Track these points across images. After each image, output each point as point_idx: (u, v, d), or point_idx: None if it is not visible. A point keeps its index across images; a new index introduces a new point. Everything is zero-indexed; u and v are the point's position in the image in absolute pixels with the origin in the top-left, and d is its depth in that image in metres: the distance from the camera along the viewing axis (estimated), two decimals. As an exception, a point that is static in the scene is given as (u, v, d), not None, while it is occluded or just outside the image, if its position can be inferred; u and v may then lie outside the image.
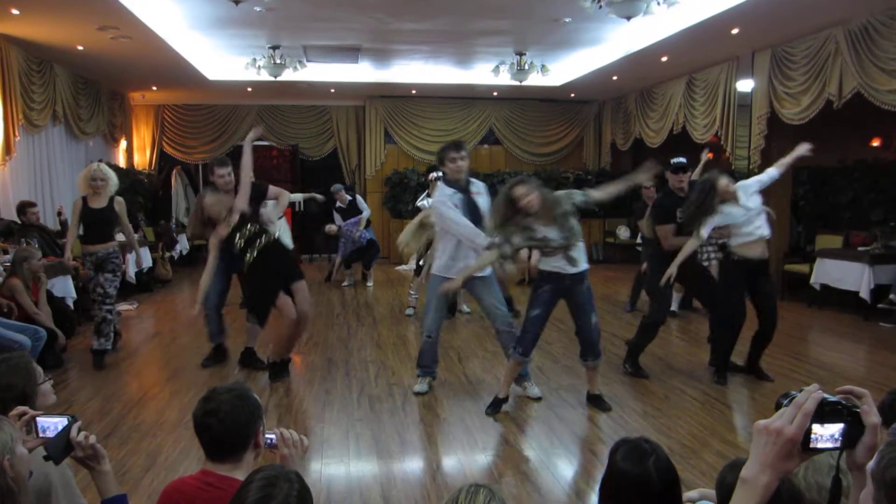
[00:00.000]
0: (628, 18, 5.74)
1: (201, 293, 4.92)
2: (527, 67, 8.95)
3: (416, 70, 10.31)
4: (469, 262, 4.44)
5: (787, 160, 4.81)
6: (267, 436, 1.88)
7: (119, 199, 5.51)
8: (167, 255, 10.06)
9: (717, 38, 7.49)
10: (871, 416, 1.05)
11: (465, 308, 7.44)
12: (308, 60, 9.06)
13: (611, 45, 8.41)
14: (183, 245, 10.86)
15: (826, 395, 1.04)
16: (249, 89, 10.98)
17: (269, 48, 8.47)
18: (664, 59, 8.63)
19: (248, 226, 4.85)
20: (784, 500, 1.30)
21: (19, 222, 6.84)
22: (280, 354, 5.08)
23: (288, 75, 9.00)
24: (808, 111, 7.30)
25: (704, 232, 4.59)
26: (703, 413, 4.35)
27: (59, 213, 7.93)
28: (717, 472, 1.70)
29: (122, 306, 7.66)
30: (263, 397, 4.53)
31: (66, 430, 1.77)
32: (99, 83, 10.02)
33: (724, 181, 4.55)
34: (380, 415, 4.31)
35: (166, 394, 4.75)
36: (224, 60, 9.36)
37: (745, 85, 8.58)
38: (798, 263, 8.28)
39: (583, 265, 4.13)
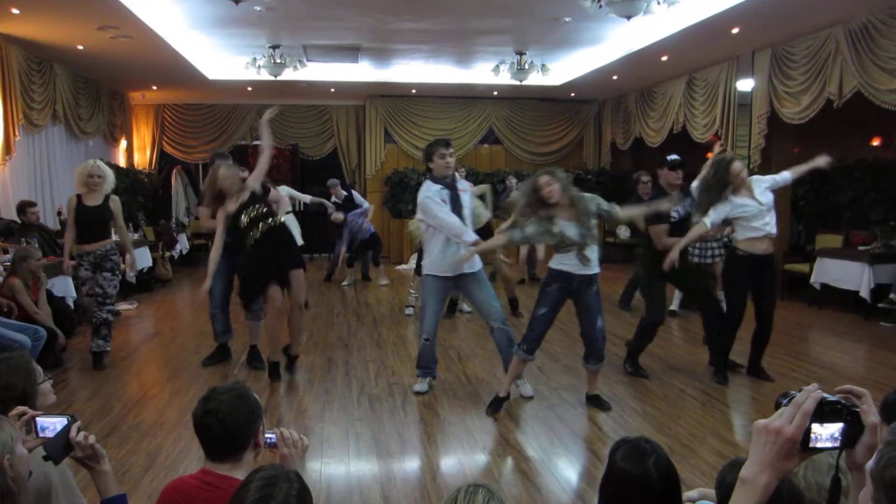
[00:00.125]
0: (628, 18, 5.74)
1: (211, 267, 4.85)
2: (527, 67, 8.95)
3: (416, 69, 10.31)
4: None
5: (803, 168, 4.82)
6: (267, 435, 1.88)
7: (115, 197, 5.42)
8: (167, 254, 10.06)
9: (718, 37, 7.49)
10: (871, 415, 1.05)
11: (465, 308, 7.44)
12: (308, 60, 9.06)
13: (611, 44, 8.41)
14: (183, 245, 10.86)
15: (825, 395, 1.03)
16: (249, 89, 10.99)
17: (269, 48, 8.47)
18: (664, 58, 8.63)
19: (257, 206, 4.80)
20: (784, 499, 1.30)
21: (19, 222, 6.83)
22: (272, 352, 5.06)
23: (288, 75, 9.00)
24: (809, 110, 7.29)
25: (710, 220, 4.56)
26: (702, 412, 4.35)
27: (59, 213, 7.93)
28: (717, 471, 1.70)
29: (122, 306, 7.66)
30: (263, 397, 4.53)
31: (66, 430, 1.77)
32: (99, 83, 10.03)
33: (738, 164, 4.55)
34: (380, 414, 4.31)
35: (166, 393, 4.75)
36: (224, 60, 9.36)
37: (745, 84, 8.57)
38: (798, 263, 8.28)
39: (594, 268, 4.12)
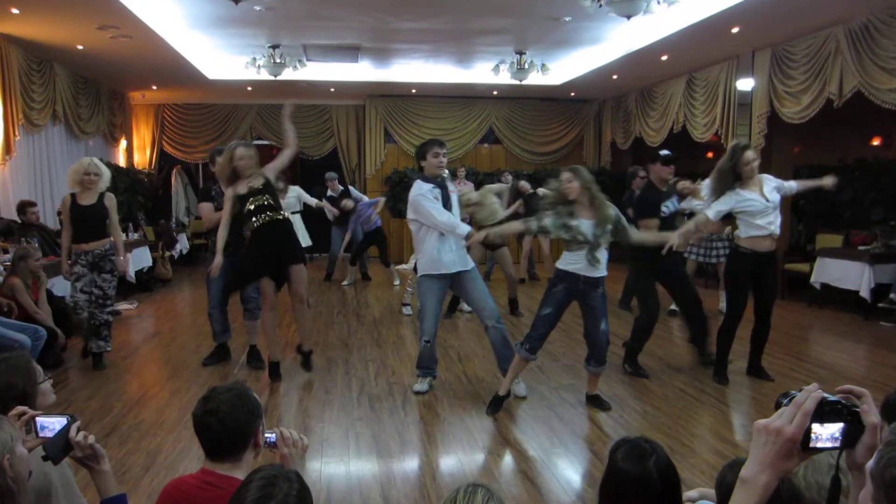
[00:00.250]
0: (628, 17, 5.74)
1: (220, 244, 4.77)
2: (527, 66, 8.95)
3: (416, 69, 10.30)
4: (460, 253, 4.50)
5: (809, 183, 4.95)
6: (266, 435, 1.88)
7: (110, 195, 5.32)
8: (167, 254, 10.06)
9: (718, 36, 7.49)
10: (871, 415, 1.05)
11: (465, 307, 7.44)
12: (308, 59, 9.06)
13: (611, 43, 8.41)
14: (183, 244, 10.86)
15: (826, 395, 1.03)
16: (249, 88, 10.98)
17: (269, 47, 8.47)
18: (664, 57, 8.62)
19: (266, 196, 4.73)
20: (784, 499, 1.30)
21: (19, 222, 6.84)
22: (272, 352, 5.06)
23: (288, 74, 9.00)
24: (809, 110, 7.29)
25: (712, 211, 4.56)
26: (702, 412, 4.35)
27: (59, 213, 7.91)
28: (717, 471, 1.70)
29: (122, 305, 7.66)
30: (263, 397, 4.54)
31: (65, 429, 1.77)
32: (99, 82, 10.03)
33: (752, 152, 4.55)
34: (380, 414, 4.31)
35: (166, 393, 4.75)
36: (224, 60, 9.36)
37: (745, 84, 8.57)
38: (798, 262, 8.28)
39: (602, 271, 4.12)
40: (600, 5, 5.56)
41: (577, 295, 4.17)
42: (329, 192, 9.46)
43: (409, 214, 4.57)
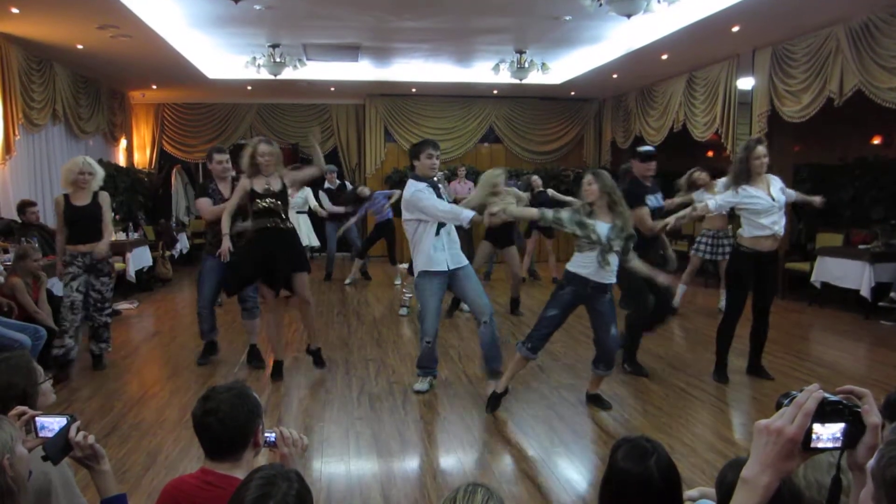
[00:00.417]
0: (629, 16, 5.73)
1: (225, 229, 4.76)
2: (527, 65, 8.94)
3: (416, 68, 10.30)
4: (452, 251, 4.51)
5: (801, 197, 5.05)
6: (266, 434, 1.88)
7: (104, 193, 5.26)
8: (167, 254, 10.05)
9: (718, 35, 7.48)
10: (872, 415, 1.05)
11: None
12: (308, 59, 9.05)
13: (611, 42, 8.41)
14: (183, 244, 10.85)
15: (827, 395, 1.03)
16: (249, 88, 10.98)
17: (269, 46, 8.46)
18: (664, 56, 8.62)
19: (277, 201, 4.72)
20: (785, 499, 1.30)
21: (19, 221, 6.83)
22: (276, 352, 5.10)
23: (288, 74, 8.99)
24: (809, 109, 7.29)
25: (714, 203, 4.60)
26: (703, 411, 4.35)
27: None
28: (718, 470, 1.70)
29: (122, 305, 7.66)
30: (263, 397, 4.53)
31: (65, 429, 1.76)
32: (99, 82, 10.02)
33: (763, 148, 4.57)
34: (380, 413, 4.31)
35: (166, 393, 4.75)
36: (224, 59, 9.36)
37: (745, 83, 8.56)
38: (799, 261, 8.27)
39: (611, 277, 4.10)
40: (600, 4, 5.55)
41: (584, 299, 4.16)
42: (326, 185, 9.49)
43: (405, 215, 4.51)
